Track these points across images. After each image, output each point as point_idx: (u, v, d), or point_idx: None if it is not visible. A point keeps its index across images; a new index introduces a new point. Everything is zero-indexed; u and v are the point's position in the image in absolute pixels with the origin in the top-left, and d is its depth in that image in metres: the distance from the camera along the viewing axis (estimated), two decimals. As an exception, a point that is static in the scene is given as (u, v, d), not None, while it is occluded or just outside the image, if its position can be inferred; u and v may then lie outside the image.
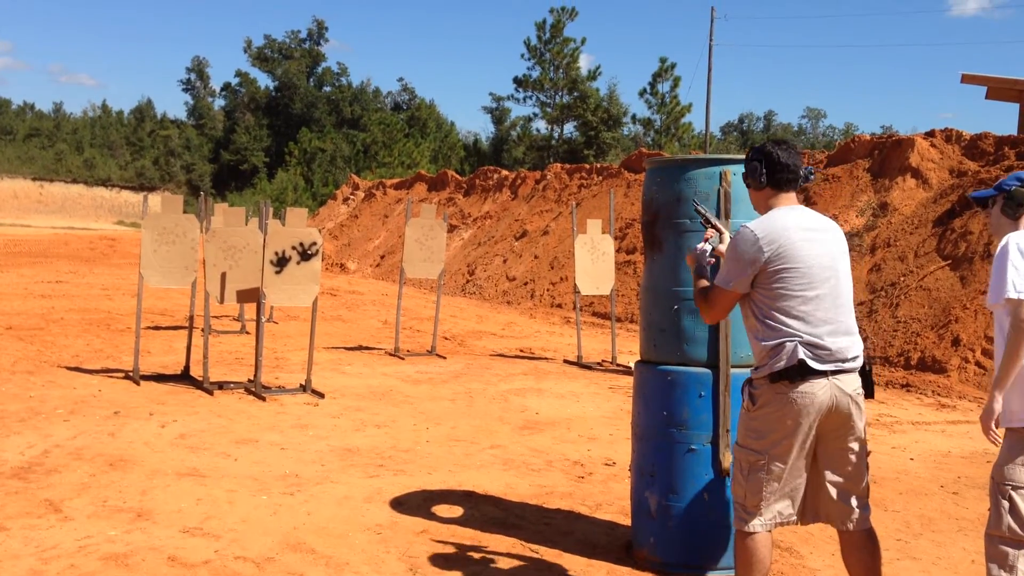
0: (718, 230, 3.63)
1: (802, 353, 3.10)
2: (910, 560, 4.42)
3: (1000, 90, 16.05)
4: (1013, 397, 3.04)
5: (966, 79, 16.30)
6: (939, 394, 8.96)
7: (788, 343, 3.12)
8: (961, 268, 10.75)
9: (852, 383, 3.18)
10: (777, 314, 3.16)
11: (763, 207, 3.35)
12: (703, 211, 3.72)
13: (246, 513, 4.65)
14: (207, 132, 69.06)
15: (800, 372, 3.10)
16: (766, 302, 3.19)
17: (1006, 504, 2.93)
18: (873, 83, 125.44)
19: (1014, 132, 14.28)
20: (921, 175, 13.13)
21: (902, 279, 11.34)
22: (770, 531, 3.26)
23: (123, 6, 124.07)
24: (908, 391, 9.16)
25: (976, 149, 12.87)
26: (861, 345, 3.26)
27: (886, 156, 13.86)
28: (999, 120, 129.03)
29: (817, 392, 3.11)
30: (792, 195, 3.33)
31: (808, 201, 14.37)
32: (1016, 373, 2.98)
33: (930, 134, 13.78)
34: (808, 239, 3.19)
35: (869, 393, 3.25)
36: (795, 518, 3.27)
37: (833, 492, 3.24)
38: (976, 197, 3.32)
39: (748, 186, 3.44)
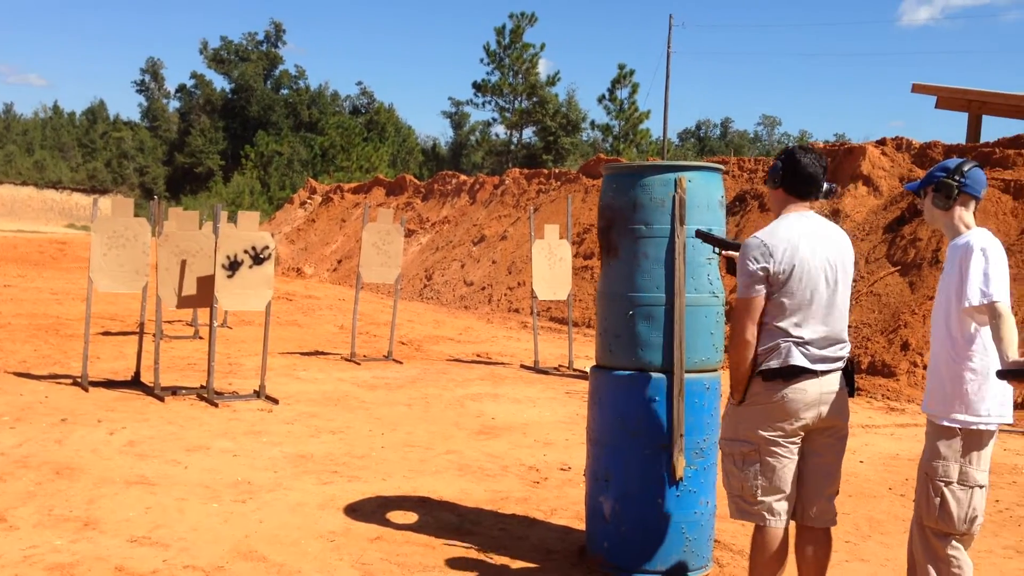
0: (733, 248, 3.78)
1: (796, 355, 3.26)
2: (859, 562, 4.48)
3: (950, 99, 16.38)
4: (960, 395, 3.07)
5: (917, 88, 16.62)
6: (888, 398, 9.12)
7: (783, 344, 3.28)
8: (910, 274, 10.96)
9: (837, 382, 3.35)
10: (775, 317, 3.30)
11: (777, 209, 3.48)
12: (713, 237, 3.88)
13: (196, 521, 4.58)
14: (161, 134, 68.08)
15: (793, 372, 3.26)
16: (766, 305, 3.32)
17: (937, 500, 3.09)
18: (827, 91, 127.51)
19: (963, 141, 14.60)
20: (872, 183, 13.36)
21: (853, 285, 11.52)
22: (782, 527, 3.36)
23: (74, 5, 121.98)
24: (858, 395, 9.31)
25: (926, 157, 13.14)
26: (848, 347, 3.42)
27: (839, 164, 14.08)
28: (949, 129, 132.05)
29: (809, 390, 3.28)
30: (805, 204, 3.44)
31: (759, 207, 14.56)
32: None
33: (881, 142, 14.05)
34: (812, 246, 3.31)
35: (851, 391, 3.41)
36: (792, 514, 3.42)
37: (816, 487, 3.39)
38: (910, 188, 3.39)
39: (766, 183, 3.60)
